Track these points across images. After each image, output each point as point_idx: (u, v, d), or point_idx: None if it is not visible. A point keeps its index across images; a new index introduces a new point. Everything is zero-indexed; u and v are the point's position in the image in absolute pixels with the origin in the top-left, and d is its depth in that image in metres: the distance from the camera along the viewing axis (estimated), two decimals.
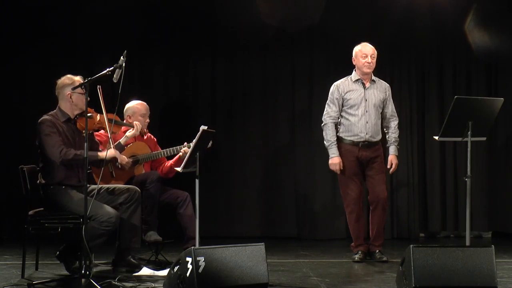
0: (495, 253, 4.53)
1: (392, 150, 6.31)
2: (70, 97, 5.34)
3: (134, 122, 5.92)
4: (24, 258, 5.37)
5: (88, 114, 5.32)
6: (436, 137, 5.55)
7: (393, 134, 6.33)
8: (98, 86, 5.33)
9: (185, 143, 6.13)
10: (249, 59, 7.96)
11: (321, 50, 7.96)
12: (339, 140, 6.25)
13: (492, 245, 4.55)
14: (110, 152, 5.35)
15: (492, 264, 4.48)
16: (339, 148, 6.24)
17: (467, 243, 5.26)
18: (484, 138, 5.60)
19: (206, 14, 7.84)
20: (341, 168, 6.18)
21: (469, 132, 5.31)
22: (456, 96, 5.40)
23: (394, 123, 6.35)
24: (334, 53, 7.90)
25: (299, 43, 7.96)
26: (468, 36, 7.85)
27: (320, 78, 7.90)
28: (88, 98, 5.29)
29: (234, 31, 7.85)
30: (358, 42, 6.33)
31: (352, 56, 6.32)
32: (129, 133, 5.84)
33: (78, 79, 5.34)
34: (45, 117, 5.34)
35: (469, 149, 5.33)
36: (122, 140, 5.77)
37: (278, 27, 7.81)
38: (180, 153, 6.15)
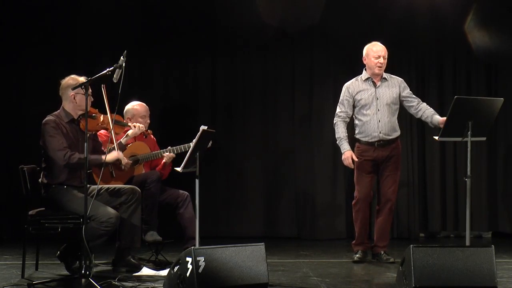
0: (495, 253, 4.53)
1: (437, 116, 6.06)
2: (74, 98, 5.33)
3: (135, 124, 5.89)
4: (24, 258, 5.37)
5: (93, 115, 5.33)
6: (436, 137, 5.54)
7: (427, 109, 6.14)
8: (102, 85, 5.33)
9: (169, 147, 6.15)
10: (249, 59, 7.97)
11: (321, 50, 7.95)
12: (356, 141, 6.21)
13: (492, 245, 4.55)
14: (113, 155, 5.40)
15: (492, 264, 4.48)
16: (356, 147, 6.20)
17: (467, 243, 5.25)
18: (484, 138, 5.59)
19: (206, 14, 7.84)
20: (355, 160, 6.09)
21: (469, 132, 5.30)
22: (456, 96, 5.40)
23: (422, 104, 6.18)
24: (334, 53, 7.90)
25: (299, 43, 7.96)
26: (468, 36, 7.85)
27: (320, 78, 7.90)
28: (92, 99, 5.31)
29: (234, 31, 7.85)
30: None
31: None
32: (130, 132, 5.83)
33: (82, 79, 5.31)
34: (49, 117, 5.33)
35: (469, 149, 5.32)
36: (123, 140, 5.77)
37: (278, 27, 7.81)
38: (164, 160, 6.15)
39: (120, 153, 5.49)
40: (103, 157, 5.33)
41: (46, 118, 5.33)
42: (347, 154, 6.12)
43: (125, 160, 5.62)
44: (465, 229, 5.31)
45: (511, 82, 7.95)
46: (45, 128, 5.28)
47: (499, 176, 8.01)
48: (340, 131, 6.17)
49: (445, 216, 7.97)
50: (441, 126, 5.89)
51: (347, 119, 6.21)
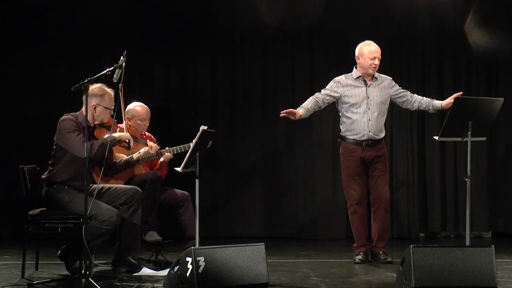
0: (495, 253, 4.53)
1: (437, 101, 6.11)
2: (94, 108, 5.31)
3: (150, 143, 5.86)
4: (24, 258, 5.37)
5: (109, 126, 5.34)
6: (436, 137, 5.54)
7: (423, 99, 6.16)
8: (120, 85, 5.21)
9: (167, 148, 6.14)
10: (249, 59, 7.96)
11: (321, 50, 7.96)
12: (342, 139, 6.22)
13: (492, 245, 4.55)
14: (121, 134, 5.33)
15: (492, 264, 4.48)
16: (342, 147, 6.21)
17: (467, 243, 5.25)
18: (484, 138, 5.59)
19: (206, 14, 7.85)
20: (293, 114, 6.00)
21: (469, 132, 5.30)
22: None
23: (415, 96, 6.20)
24: (334, 53, 7.90)
25: (299, 43, 7.96)
26: (468, 36, 7.85)
27: (320, 78, 7.88)
28: (113, 113, 5.31)
29: (234, 31, 7.85)
30: (358, 42, 6.31)
31: (353, 54, 6.28)
32: (143, 150, 5.82)
33: (109, 91, 5.35)
34: (67, 116, 5.30)
35: (469, 149, 5.32)
36: (135, 156, 5.76)
37: (278, 27, 7.81)
38: (161, 159, 6.14)
39: (127, 134, 5.38)
40: (114, 135, 5.27)
41: (64, 116, 5.29)
42: (293, 110, 6.02)
43: (132, 141, 5.53)
44: (465, 229, 5.31)
45: (511, 82, 7.95)
46: (63, 124, 5.23)
47: (499, 176, 8.01)
48: (305, 103, 6.11)
49: (445, 216, 7.97)
50: (445, 108, 5.95)
51: (321, 103, 6.15)
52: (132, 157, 5.73)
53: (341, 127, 6.24)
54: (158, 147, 5.93)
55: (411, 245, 4.50)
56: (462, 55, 7.99)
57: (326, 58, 7.95)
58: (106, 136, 5.26)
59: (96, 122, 5.38)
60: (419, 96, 6.24)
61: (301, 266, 5.99)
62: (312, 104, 6.13)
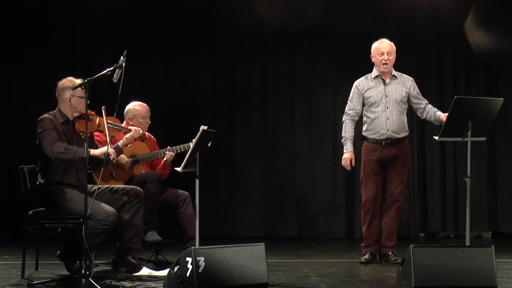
0: (495, 253, 4.53)
1: (438, 113, 6.12)
2: (70, 101, 5.33)
3: (132, 127, 5.84)
4: (24, 258, 5.37)
5: (89, 117, 5.31)
6: (436, 137, 5.54)
7: (431, 109, 6.17)
8: (103, 106, 5.30)
9: (168, 147, 6.13)
10: (249, 59, 7.96)
11: (321, 50, 7.95)
12: (364, 138, 6.20)
13: (492, 245, 4.55)
14: (102, 150, 5.29)
15: (492, 264, 4.48)
16: (364, 146, 6.18)
17: (467, 243, 5.25)
18: (484, 138, 5.59)
19: (206, 14, 7.85)
20: (353, 165, 6.13)
21: (469, 132, 5.30)
22: (456, 96, 5.40)
23: (429, 106, 6.21)
24: (334, 53, 7.90)
25: (299, 43, 7.96)
26: (468, 36, 7.86)
27: (320, 78, 7.90)
28: (88, 101, 5.29)
29: (234, 31, 7.85)
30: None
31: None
32: (128, 135, 5.77)
33: (78, 81, 5.30)
34: (44, 115, 5.33)
35: (469, 149, 5.32)
36: (120, 143, 5.72)
37: (278, 27, 7.82)
38: (165, 158, 6.13)
39: (111, 149, 5.36)
40: (92, 151, 5.27)
41: (41, 116, 5.33)
42: (348, 156, 6.12)
43: (121, 157, 5.57)
44: (465, 229, 5.31)
45: (511, 82, 7.95)
46: (39, 124, 5.28)
47: (499, 176, 8.01)
48: (347, 130, 6.15)
49: (445, 216, 7.97)
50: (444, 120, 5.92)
51: (356, 118, 6.19)
52: (118, 145, 5.66)
53: (362, 127, 6.23)
54: (141, 131, 5.86)
55: (411, 245, 4.51)
56: (462, 55, 7.99)
57: (326, 58, 7.95)
58: (82, 149, 5.20)
59: (75, 115, 5.37)
60: (431, 106, 6.23)
61: (301, 266, 5.99)
62: (352, 127, 6.16)
